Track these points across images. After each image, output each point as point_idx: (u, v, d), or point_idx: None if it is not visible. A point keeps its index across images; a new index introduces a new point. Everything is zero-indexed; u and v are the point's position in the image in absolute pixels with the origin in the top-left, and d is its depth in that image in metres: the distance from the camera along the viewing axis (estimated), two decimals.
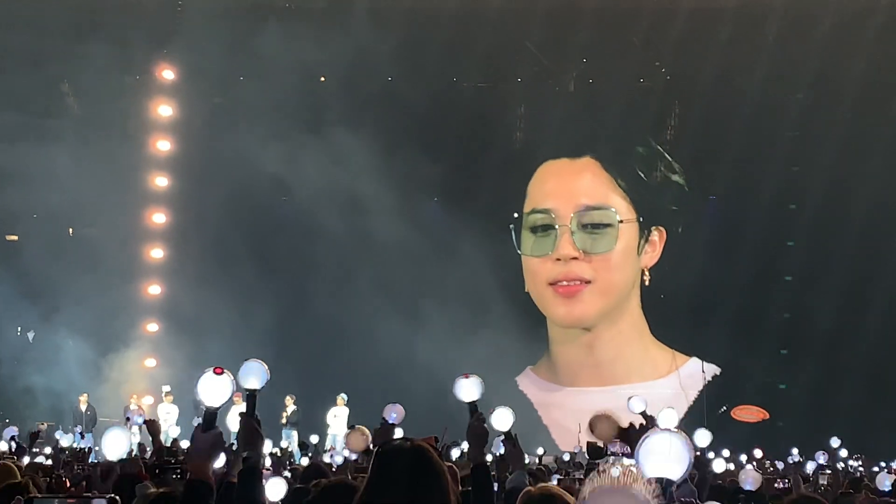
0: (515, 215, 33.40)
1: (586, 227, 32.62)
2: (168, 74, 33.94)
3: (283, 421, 30.27)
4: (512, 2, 32.23)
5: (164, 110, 33.88)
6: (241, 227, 32.16)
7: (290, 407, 30.57)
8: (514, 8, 32.31)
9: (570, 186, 33.08)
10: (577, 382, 32.90)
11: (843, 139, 32.25)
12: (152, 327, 33.04)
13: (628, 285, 33.00)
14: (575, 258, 32.42)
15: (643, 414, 12.16)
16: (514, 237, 33.39)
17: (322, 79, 33.71)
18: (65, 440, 23.99)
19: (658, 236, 32.96)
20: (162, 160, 33.83)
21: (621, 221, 32.55)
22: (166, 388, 30.90)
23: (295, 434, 29.98)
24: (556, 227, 32.65)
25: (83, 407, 30.06)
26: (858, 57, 31.80)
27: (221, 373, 5.67)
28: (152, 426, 9.68)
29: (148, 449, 18.79)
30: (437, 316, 30.21)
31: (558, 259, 32.55)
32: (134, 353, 31.73)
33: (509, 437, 7.16)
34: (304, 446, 23.35)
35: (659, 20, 32.46)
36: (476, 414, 7.21)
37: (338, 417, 30.29)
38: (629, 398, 11.88)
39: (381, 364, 30.69)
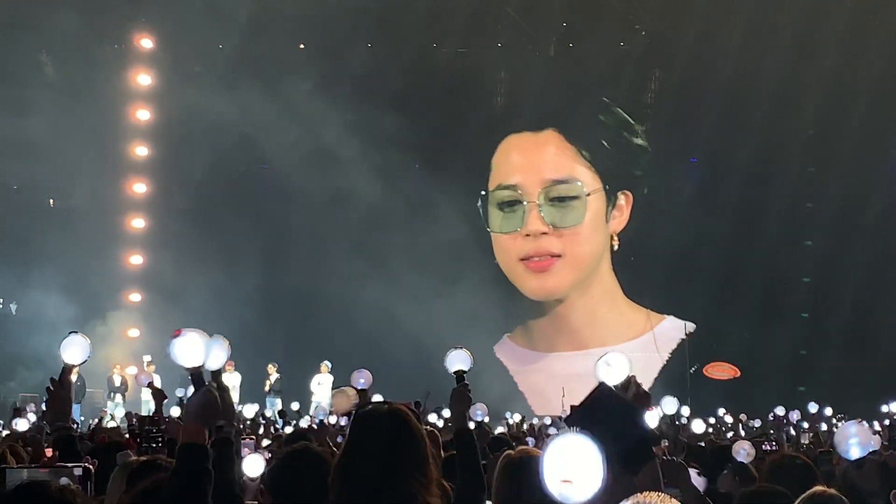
0: (483, 193, 33.33)
1: (554, 200, 32.59)
2: (146, 43, 33.75)
3: (266, 389, 30.31)
4: None
5: (143, 79, 33.70)
6: (222, 195, 32.12)
7: (273, 375, 30.61)
8: None
9: (535, 160, 33.03)
10: (554, 348, 33.00)
11: (822, 99, 32.32)
12: (135, 297, 32.99)
13: (598, 254, 33.03)
14: (544, 233, 32.42)
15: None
16: (481, 213, 33.36)
17: (301, 46, 33.58)
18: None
19: (625, 200, 32.94)
20: (142, 129, 33.68)
21: (588, 194, 32.54)
22: (147, 358, 30.78)
23: (278, 402, 29.99)
24: (524, 202, 32.61)
25: (73, 377, 29.95)
26: (836, 20, 31.87)
27: (179, 334, 5.56)
28: (158, 394, 9.61)
29: (134, 420, 18.77)
30: (419, 281, 30.20)
31: (528, 235, 32.54)
32: (117, 324, 31.65)
33: (461, 379, 7.13)
34: (283, 414, 23.33)
35: None
36: (462, 382, 7.23)
37: (322, 385, 30.27)
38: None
39: (364, 330, 30.62)
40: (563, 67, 33.79)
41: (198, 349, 5.47)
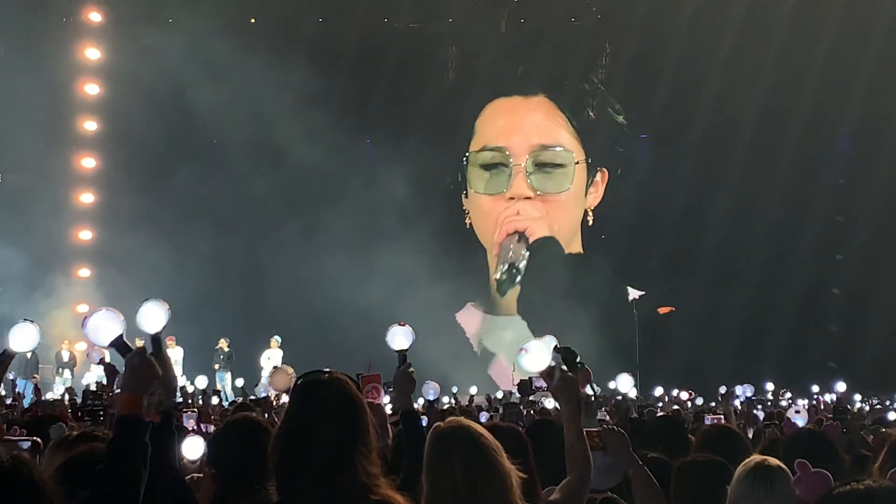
0: (466, 155, 33.33)
1: (541, 166, 32.69)
2: (95, 17, 33.47)
3: (216, 364, 30.23)
4: None
5: (92, 53, 33.43)
6: (172, 171, 31.87)
7: (225, 349, 30.54)
8: None
9: (524, 124, 33.12)
10: (517, 314, 33.06)
11: (772, 74, 32.52)
12: (84, 272, 32.79)
13: (575, 225, 33.15)
14: (528, 198, 32.50)
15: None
16: (461, 175, 33.34)
17: (252, 20, 33.43)
18: None
19: (601, 177, 33.16)
20: (90, 104, 33.42)
21: (577, 163, 32.68)
22: None
23: (228, 376, 29.99)
24: (510, 165, 32.66)
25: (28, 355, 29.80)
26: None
27: (89, 316, 5.48)
28: (110, 369, 9.54)
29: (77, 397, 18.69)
30: (372, 256, 30.23)
31: (511, 198, 32.59)
32: (65, 299, 31.45)
33: (404, 359, 7.11)
34: (242, 392, 23.19)
35: None
36: (405, 363, 7.21)
37: (271, 360, 30.23)
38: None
39: (316, 305, 30.58)
40: (514, 42, 33.74)
41: (112, 324, 5.41)
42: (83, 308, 32.17)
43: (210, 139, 32.95)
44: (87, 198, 33.29)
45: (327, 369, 5.07)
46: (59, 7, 32.83)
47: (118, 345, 5.23)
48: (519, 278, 32.61)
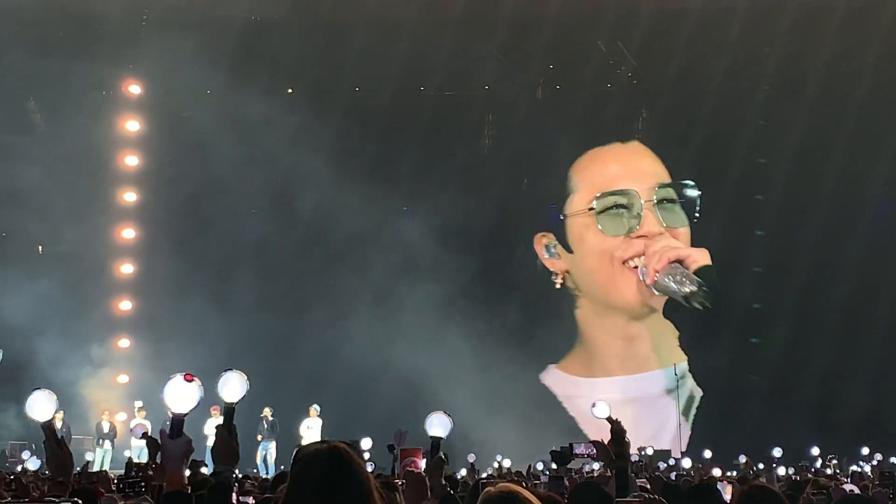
0: (596, 196, 33.28)
1: (662, 202, 32.81)
2: (134, 89, 33.83)
3: (259, 437, 30.12)
4: (477, 9, 32.22)
5: (132, 125, 33.75)
6: (211, 239, 32.03)
7: (269, 418, 30.44)
8: (480, 15, 32.32)
9: (636, 168, 33.23)
10: (611, 372, 32.98)
11: (805, 130, 32.46)
12: (124, 343, 32.89)
13: None
14: (660, 233, 32.55)
15: (609, 419, 12.10)
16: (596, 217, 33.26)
17: (290, 90, 33.72)
18: (31, 463, 23.05)
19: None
20: (130, 175, 33.70)
21: (682, 200, 32.85)
22: (139, 404, 30.72)
23: (273, 446, 29.92)
24: (634, 205, 32.67)
25: (59, 424, 29.86)
26: (819, 51, 32.12)
27: (192, 380, 5.62)
28: (152, 443, 9.58)
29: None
30: (415, 325, 30.23)
31: (640, 237, 32.57)
32: (105, 370, 31.58)
33: (436, 448, 7.07)
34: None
35: (622, 24, 32.64)
36: (437, 451, 7.20)
37: (311, 429, 30.14)
38: (592, 405, 11.77)
39: (355, 372, 30.58)
40: (551, 108, 33.86)
41: (191, 396, 5.51)
42: (123, 378, 32.30)
43: (248, 209, 33.14)
44: (126, 268, 33.46)
45: (326, 439, 5.08)
46: (99, 80, 33.12)
47: (178, 420, 5.30)
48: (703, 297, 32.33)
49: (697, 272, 32.04)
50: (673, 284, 31.91)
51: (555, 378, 33.35)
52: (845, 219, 32.77)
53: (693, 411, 32.20)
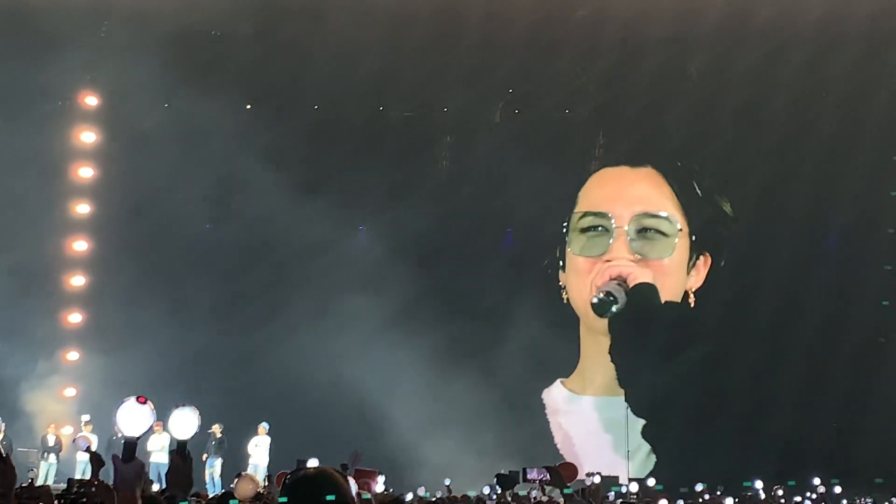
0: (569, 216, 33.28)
1: (644, 231, 32.70)
2: (91, 101, 33.56)
3: (204, 456, 29.88)
4: (438, 32, 32.20)
5: (88, 137, 33.46)
6: (164, 256, 31.85)
7: (217, 435, 30.23)
8: (441, 38, 32.31)
9: (629, 193, 33.18)
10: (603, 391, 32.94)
11: (767, 161, 32.65)
12: (72, 356, 32.55)
13: (677, 298, 32.94)
14: (630, 262, 32.45)
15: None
16: (566, 238, 33.21)
17: (248, 106, 33.57)
18: None
19: (703, 262, 33.01)
20: (84, 187, 33.39)
21: (680, 230, 32.68)
22: (86, 418, 30.44)
23: (218, 463, 29.71)
24: (612, 229, 32.62)
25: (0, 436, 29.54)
26: (780, 90, 32.30)
27: (145, 402, 5.53)
28: (96, 459, 9.41)
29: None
30: (366, 343, 30.16)
31: (609, 261, 32.52)
32: (52, 383, 31.26)
33: (182, 450, 6.67)
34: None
35: (585, 51, 32.73)
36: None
37: (259, 447, 30.00)
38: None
39: (306, 390, 30.41)
40: (509, 133, 33.82)
41: (145, 419, 5.44)
42: (70, 392, 31.98)
43: (202, 224, 32.92)
44: (77, 281, 33.14)
45: (316, 464, 5.08)
46: (56, 90, 32.83)
47: (132, 444, 5.23)
48: (615, 308, 32.33)
49: (635, 287, 32.17)
50: (603, 297, 32.12)
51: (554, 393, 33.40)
52: (805, 248, 32.99)
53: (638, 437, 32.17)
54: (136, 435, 5.43)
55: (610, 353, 32.33)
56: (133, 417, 5.48)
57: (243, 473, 13.52)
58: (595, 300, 32.27)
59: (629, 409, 31.77)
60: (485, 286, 33.14)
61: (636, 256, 32.55)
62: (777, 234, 32.79)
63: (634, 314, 32.12)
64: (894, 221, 33.21)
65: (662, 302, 32.53)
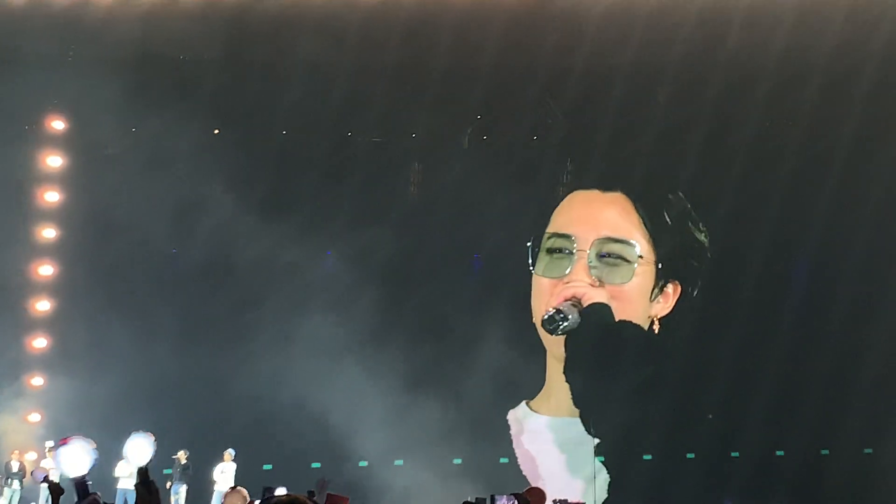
0: (533, 237, 33.24)
1: (604, 256, 32.65)
2: (58, 125, 33.41)
3: (168, 484, 29.72)
4: (407, 58, 32.22)
5: (54, 161, 33.29)
6: (130, 281, 31.70)
7: (183, 461, 30.10)
8: (410, 64, 32.34)
9: (596, 217, 33.13)
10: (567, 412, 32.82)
11: (736, 194, 32.76)
12: (37, 381, 32.31)
13: (637, 322, 32.86)
14: (588, 284, 32.42)
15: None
16: (529, 257, 33.19)
17: (216, 131, 33.47)
18: None
19: (672, 290, 32.96)
20: (50, 211, 33.21)
21: (641, 257, 32.60)
22: (49, 444, 30.26)
23: (183, 490, 29.56)
24: (574, 251, 32.61)
25: None
26: (748, 120, 32.47)
27: (66, 442, 5.50)
28: (55, 490, 9.28)
29: None
30: (335, 376, 30.04)
31: (568, 283, 32.50)
32: (16, 409, 31.05)
33: (145, 479, 6.59)
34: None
35: (553, 78, 32.80)
36: None
37: (225, 473, 29.87)
38: None
39: (273, 418, 30.29)
40: (477, 159, 33.80)
41: (83, 458, 5.42)
42: (34, 417, 31.75)
43: (169, 249, 32.79)
44: (43, 305, 32.92)
45: (285, 492, 5.11)
46: (21, 114, 32.67)
47: (81, 482, 5.20)
48: (564, 326, 32.31)
49: (589, 307, 32.23)
50: (553, 313, 32.16)
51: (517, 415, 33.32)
52: (771, 276, 33.11)
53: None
54: (80, 474, 5.41)
55: (564, 372, 32.34)
56: (70, 459, 5.45)
57: (235, 488, 13.39)
58: (545, 317, 32.32)
59: (591, 428, 31.78)
60: (453, 311, 33.04)
61: (595, 280, 32.57)
62: (744, 262, 32.89)
63: (587, 333, 32.18)
64: (863, 248, 33.27)
65: (616, 321, 32.57)
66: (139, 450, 5.76)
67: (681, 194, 33.39)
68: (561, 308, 32.33)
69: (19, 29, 31.22)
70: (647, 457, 32.18)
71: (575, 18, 31.42)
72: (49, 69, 32.11)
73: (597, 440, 31.98)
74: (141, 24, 31.00)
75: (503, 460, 32.17)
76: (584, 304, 32.42)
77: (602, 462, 31.97)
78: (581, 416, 32.29)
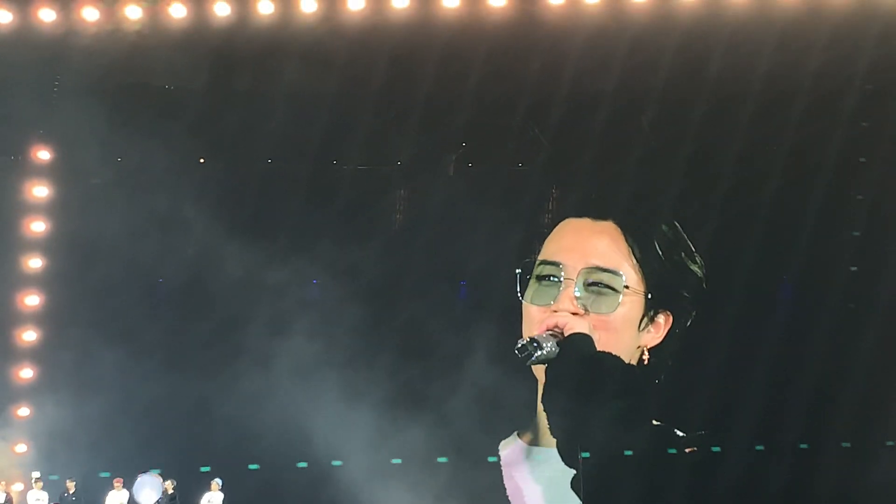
0: (522, 263, 33.20)
1: (591, 286, 32.52)
2: (44, 155, 33.42)
3: None
4: (392, 85, 32.31)
5: (40, 191, 33.31)
6: (117, 307, 31.65)
7: (169, 491, 30.04)
8: (394, 91, 32.42)
9: (585, 245, 32.90)
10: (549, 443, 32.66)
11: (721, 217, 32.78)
12: (23, 412, 32.23)
13: (623, 353, 32.63)
14: (575, 314, 32.33)
15: None
16: (517, 285, 33.09)
17: (202, 160, 33.52)
18: None
19: (664, 320, 32.71)
20: (36, 241, 33.20)
21: (627, 287, 32.39)
22: (36, 475, 30.22)
23: None
24: (562, 280, 32.53)
25: None
26: (733, 143, 32.51)
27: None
28: None
29: None
30: (320, 399, 29.96)
31: (555, 311, 32.42)
32: (3, 439, 30.96)
33: None
34: None
35: (537, 105, 32.89)
36: None
37: (212, 503, 29.81)
38: None
39: (258, 446, 30.20)
40: (462, 187, 33.81)
41: (153, 492, 5.47)
42: (21, 448, 31.66)
43: (156, 278, 32.78)
44: (29, 336, 32.88)
45: None
46: (7, 144, 32.75)
47: None
48: (538, 355, 32.11)
49: (568, 337, 32.14)
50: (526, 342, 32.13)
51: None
52: (757, 299, 33.07)
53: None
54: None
55: (542, 401, 32.18)
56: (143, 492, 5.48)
57: None
58: (519, 345, 32.07)
59: (580, 459, 31.59)
60: (439, 337, 32.95)
61: (580, 309, 32.51)
62: (728, 284, 32.84)
63: (566, 363, 32.02)
64: (852, 262, 33.23)
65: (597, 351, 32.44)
66: (147, 493, 5.78)
67: (676, 224, 33.28)
68: (535, 338, 32.15)
69: (4, 58, 31.30)
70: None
71: (558, 45, 31.58)
72: (35, 99, 32.20)
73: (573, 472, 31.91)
74: (126, 54, 31.15)
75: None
76: (566, 335, 32.34)
77: (575, 492, 31.89)
78: (557, 446, 32.18)
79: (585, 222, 33.58)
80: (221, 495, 29.70)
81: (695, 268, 33.07)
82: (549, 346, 32.24)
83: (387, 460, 29.90)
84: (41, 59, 31.71)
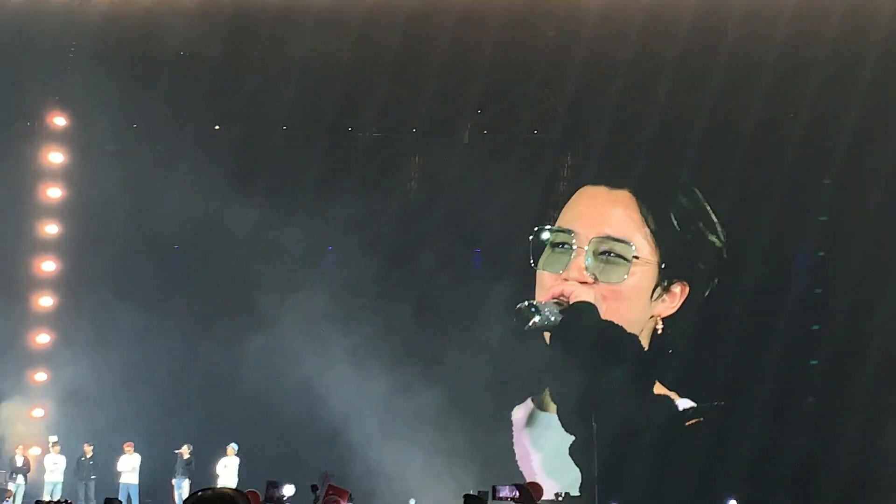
0: (535, 229, 33.28)
1: (601, 254, 32.62)
2: (59, 121, 33.49)
3: (173, 479, 29.89)
4: (407, 53, 32.26)
5: (56, 157, 33.39)
6: (134, 276, 31.72)
7: (186, 455, 30.23)
8: (410, 59, 32.36)
9: (598, 214, 33.10)
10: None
11: (734, 192, 32.64)
12: (40, 376, 32.41)
13: (634, 322, 32.73)
14: (584, 283, 32.44)
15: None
16: (530, 250, 33.19)
17: (217, 127, 33.54)
18: None
19: (680, 290, 32.67)
20: (52, 207, 33.31)
21: (636, 257, 32.50)
22: (53, 439, 30.41)
23: (186, 484, 29.63)
24: (574, 248, 32.66)
25: None
26: (750, 112, 32.36)
27: None
28: None
29: None
30: (337, 370, 30.04)
31: (566, 280, 32.57)
32: (20, 404, 31.15)
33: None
34: None
35: (553, 73, 32.80)
36: None
37: (227, 468, 29.93)
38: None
39: (275, 413, 30.29)
40: (477, 154, 33.72)
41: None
42: (38, 412, 31.86)
43: (171, 246, 32.85)
44: (45, 301, 33.03)
45: (212, 487, 5.13)
46: (24, 111, 32.81)
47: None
48: (535, 321, 32.32)
49: (573, 305, 32.29)
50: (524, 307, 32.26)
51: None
52: (774, 271, 32.94)
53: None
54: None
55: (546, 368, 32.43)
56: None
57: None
58: (516, 308, 32.36)
59: (594, 426, 31.71)
60: (453, 304, 33.00)
61: (589, 277, 32.58)
62: (745, 256, 32.76)
63: (569, 331, 32.23)
64: (869, 237, 33.00)
65: (600, 320, 32.57)
66: None
67: (698, 194, 33.14)
68: (535, 303, 32.40)
69: (21, 27, 31.34)
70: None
71: (575, 13, 31.48)
72: (51, 67, 32.28)
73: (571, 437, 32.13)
74: (141, 22, 31.14)
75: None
76: (571, 303, 32.44)
77: (572, 458, 32.08)
78: (558, 412, 32.42)
79: (601, 190, 33.59)
80: (237, 460, 29.81)
81: (713, 238, 32.93)
82: (547, 313, 32.57)
83: (400, 421, 29.99)
84: (56, 27, 31.75)
